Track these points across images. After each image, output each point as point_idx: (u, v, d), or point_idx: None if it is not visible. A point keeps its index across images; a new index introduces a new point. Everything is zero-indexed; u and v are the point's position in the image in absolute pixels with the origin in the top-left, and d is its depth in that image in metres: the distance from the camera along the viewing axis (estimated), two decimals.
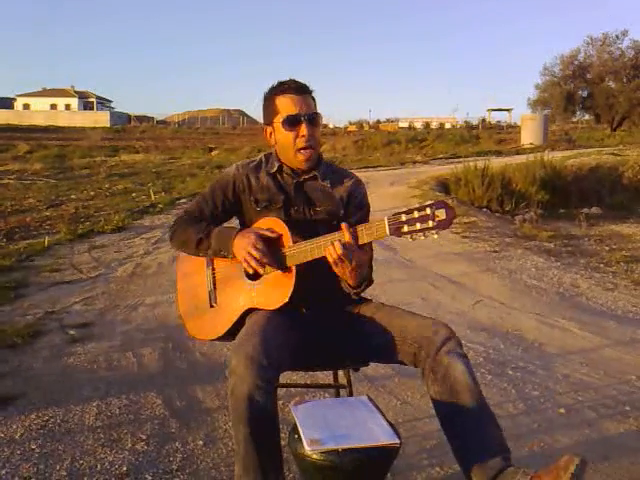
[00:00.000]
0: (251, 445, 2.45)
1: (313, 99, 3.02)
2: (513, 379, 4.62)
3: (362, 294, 3.04)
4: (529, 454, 3.59)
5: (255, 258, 2.74)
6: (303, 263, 2.75)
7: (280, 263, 2.79)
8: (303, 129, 2.90)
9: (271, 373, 2.47)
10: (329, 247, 2.62)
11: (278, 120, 2.96)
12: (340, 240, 2.60)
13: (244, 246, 2.78)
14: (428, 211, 2.47)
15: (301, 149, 2.93)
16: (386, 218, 2.54)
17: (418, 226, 2.48)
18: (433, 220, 2.46)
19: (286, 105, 2.95)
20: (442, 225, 2.47)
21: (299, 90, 2.98)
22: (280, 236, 2.81)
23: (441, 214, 2.46)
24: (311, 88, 3.03)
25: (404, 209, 2.53)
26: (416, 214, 2.48)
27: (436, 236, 2.49)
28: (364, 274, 2.78)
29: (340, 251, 2.59)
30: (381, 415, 2.57)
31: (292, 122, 2.92)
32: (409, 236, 2.50)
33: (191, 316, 3.14)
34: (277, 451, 2.55)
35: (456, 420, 2.65)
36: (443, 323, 2.74)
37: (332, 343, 2.94)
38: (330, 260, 2.64)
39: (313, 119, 2.94)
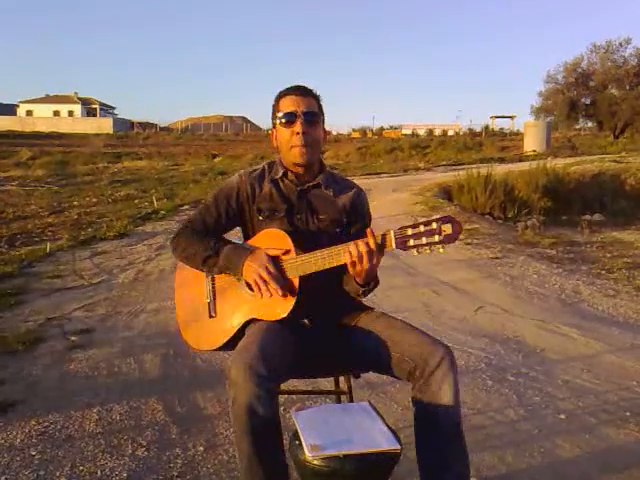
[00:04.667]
0: (255, 457, 2.42)
1: (317, 101, 3.02)
2: (514, 385, 4.61)
3: (364, 302, 3.06)
4: (530, 460, 3.58)
5: (265, 281, 2.72)
6: (306, 275, 2.75)
7: (284, 276, 2.77)
8: (298, 126, 2.90)
9: (271, 382, 2.44)
10: (352, 248, 2.60)
11: (278, 119, 2.98)
12: (366, 243, 2.60)
13: (255, 269, 2.74)
14: (434, 225, 2.47)
15: (295, 146, 2.92)
16: (392, 232, 2.54)
17: (424, 240, 2.48)
18: (439, 234, 2.46)
19: (285, 104, 2.96)
20: (448, 239, 2.47)
21: (300, 91, 2.99)
22: (285, 250, 2.80)
23: (447, 229, 2.46)
24: (315, 92, 3.04)
25: (410, 223, 2.53)
26: (422, 228, 2.48)
27: (442, 250, 2.48)
28: (372, 275, 2.77)
29: (365, 250, 2.58)
30: (382, 421, 2.57)
31: (288, 119, 2.92)
32: (415, 250, 2.50)
33: (190, 327, 3.11)
34: (281, 462, 2.52)
35: (428, 450, 2.65)
36: (441, 342, 2.70)
37: (331, 354, 2.93)
38: (349, 261, 2.62)
39: (309, 117, 2.93)
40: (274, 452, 2.49)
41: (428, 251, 2.50)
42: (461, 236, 8.28)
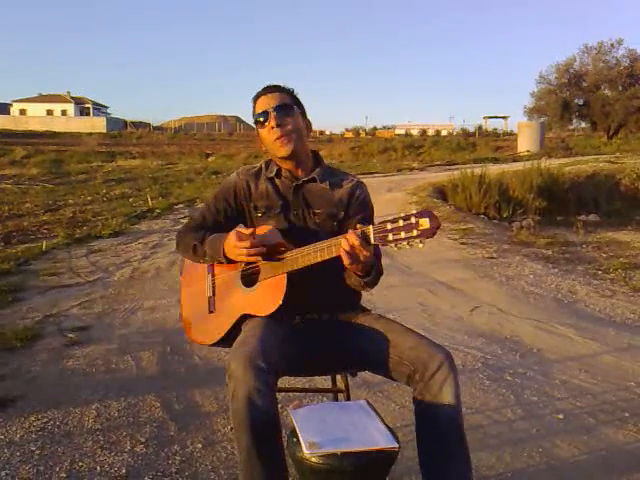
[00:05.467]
0: (253, 451, 2.42)
1: (289, 94, 3.04)
2: (511, 385, 4.62)
3: (361, 303, 3.09)
4: (528, 460, 3.59)
5: (246, 247, 2.73)
6: (297, 271, 2.75)
7: (275, 268, 2.79)
8: (272, 121, 2.92)
9: (269, 376, 2.45)
10: (342, 242, 2.57)
11: (255, 122, 3.03)
12: (348, 239, 2.57)
13: (231, 244, 2.78)
14: (412, 220, 2.45)
15: (275, 139, 2.94)
16: (371, 226, 2.54)
17: (402, 235, 2.45)
18: (417, 229, 2.44)
19: (258, 106, 3.00)
20: (425, 234, 2.44)
21: (270, 89, 3.02)
22: (275, 244, 2.81)
23: (425, 223, 2.43)
24: (286, 87, 3.07)
25: (390, 218, 2.52)
26: (401, 223, 2.46)
27: (421, 245, 2.45)
28: (369, 265, 2.74)
29: (348, 246, 2.56)
30: (379, 419, 2.57)
31: (263, 118, 2.96)
32: (394, 244, 2.49)
33: (192, 322, 3.17)
34: (280, 456, 2.51)
35: (431, 452, 2.65)
36: (440, 346, 2.70)
37: (328, 353, 2.93)
38: (344, 254, 2.58)
39: (281, 110, 2.95)
40: (273, 446, 2.48)
41: (407, 246, 2.48)
42: (456, 236, 8.35)
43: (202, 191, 17.15)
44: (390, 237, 2.47)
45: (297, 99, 3.07)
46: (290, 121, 2.95)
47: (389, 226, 2.48)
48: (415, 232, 2.44)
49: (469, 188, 13.23)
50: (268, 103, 2.96)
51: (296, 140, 2.96)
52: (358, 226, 2.59)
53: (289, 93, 3.04)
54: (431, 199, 13.84)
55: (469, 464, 2.65)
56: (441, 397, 2.58)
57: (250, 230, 2.79)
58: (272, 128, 2.93)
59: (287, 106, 2.98)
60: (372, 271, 2.81)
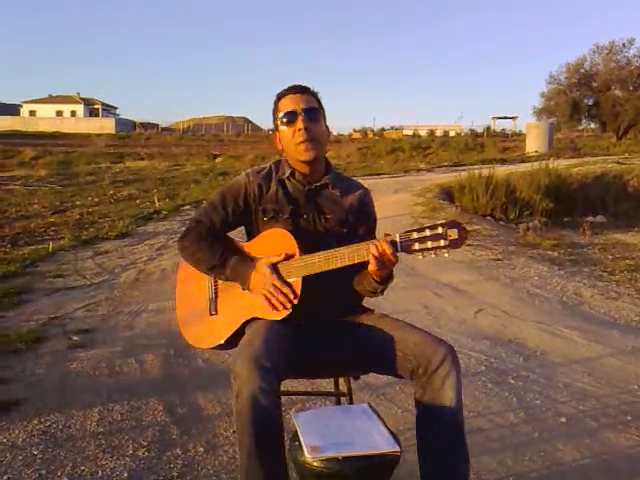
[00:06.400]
0: (255, 452, 2.42)
1: (315, 98, 3.02)
2: (514, 388, 4.61)
3: (364, 304, 3.10)
4: (530, 464, 3.58)
5: (274, 295, 2.74)
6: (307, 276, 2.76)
7: (288, 276, 2.79)
8: (300, 123, 2.90)
9: (274, 376, 2.46)
10: (372, 249, 2.61)
11: (279, 120, 2.99)
12: (378, 246, 2.61)
13: (262, 285, 2.77)
14: (440, 230, 2.48)
15: (300, 142, 2.91)
16: (397, 235, 2.56)
17: (429, 244, 2.49)
18: (445, 239, 2.48)
19: (285, 104, 2.97)
20: (454, 245, 2.49)
21: (297, 89, 3.00)
22: (289, 251, 2.81)
23: (453, 234, 2.48)
24: (313, 89, 3.04)
25: (416, 227, 2.54)
26: (428, 232, 2.50)
27: (447, 255, 2.50)
28: (390, 273, 2.79)
29: (378, 252, 2.60)
30: (382, 423, 2.58)
31: (289, 118, 2.93)
32: (420, 254, 2.52)
33: (189, 324, 3.12)
34: (281, 459, 2.51)
35: (430, 447, 2.67)
36: (443, 341, 2.72)
37: (332, 353, 2.93)
38: (373, 260, 2.62)
39: (310, 113, 2.93)
40: (275, 447, 2.48)
41: (433, 255, 2.51)
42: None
43: (209, 192, 17.12)
44: (416, 246, 2.52)
45: (321, 104, 3.06)
46: (316, 126, 2.95)
47: (415, 235, 2.53)
48: (443, 242, 2.48)
49: (476, 189, 13.17)
50: (297, 104, 2.94)
51: (319, 147, 2.96)
52: (384, 234, 2.62)
53: (315, 96, 3.04)
54: (437, 200, 13.79)
55: (467, 459, 2.68)
56: (443, 392, 2.61)
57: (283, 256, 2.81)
58: (299, 130, 2.90)
59: (315, 110, 2.98)
60: (390, 279, 2.84)
